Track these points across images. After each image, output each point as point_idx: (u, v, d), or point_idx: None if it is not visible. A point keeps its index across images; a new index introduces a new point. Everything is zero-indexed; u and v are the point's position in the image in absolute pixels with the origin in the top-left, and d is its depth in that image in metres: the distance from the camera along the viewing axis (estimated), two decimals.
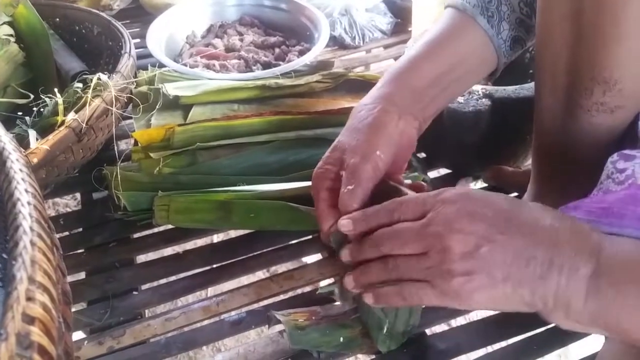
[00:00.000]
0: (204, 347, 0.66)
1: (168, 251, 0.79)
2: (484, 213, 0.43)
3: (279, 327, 0.67)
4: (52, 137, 0.71)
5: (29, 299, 0.25)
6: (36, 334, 0.24)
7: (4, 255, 0.46)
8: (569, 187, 0.51)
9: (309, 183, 0.75)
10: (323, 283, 0.74)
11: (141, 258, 0.79)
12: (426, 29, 0.93)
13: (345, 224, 0.50)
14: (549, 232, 0.42)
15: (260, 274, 0.77)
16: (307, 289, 0.74)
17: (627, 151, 0.48)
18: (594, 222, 0.45)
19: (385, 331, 0.62)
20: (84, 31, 1.04)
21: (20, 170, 0.32)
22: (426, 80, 0.58)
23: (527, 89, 0.74)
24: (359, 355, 0.67)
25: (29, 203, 0.29)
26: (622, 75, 0.49)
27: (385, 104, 0.56)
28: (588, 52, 0.50)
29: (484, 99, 0.74)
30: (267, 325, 0.68)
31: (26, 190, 0.30)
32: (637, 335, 0.39)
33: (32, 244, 0.27)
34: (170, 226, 0.79)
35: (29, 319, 0.24)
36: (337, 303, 0.67)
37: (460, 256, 0.42)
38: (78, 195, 0.90)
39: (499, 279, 0.42)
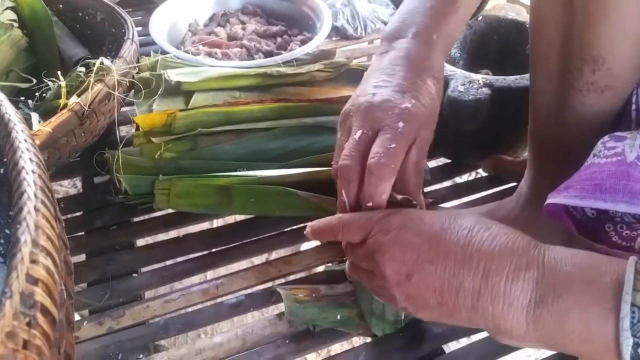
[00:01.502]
0: (203, 329, 0.66)
1: (168, 235, 0.80)
2: (414, 242, 0.45)
3: (277, 310, 0.68)
4: (55, 120, 0.71)
5: (33, 261, 0.25)
6: (39, 295, 0.25)
7: (7, 231, 0.46)
8: (565, 171, 0.51)
9: (309, 169, 0.76)
10: (320, 268, 0.74)
11: (141, 241, 0.80)
12: None
13: (305, 231, 0.56)
14: (481, 256, 0.42)
15: (259, 259, 0.77)
16: (304, 274, 0.75)
17: (618, 133, 0.49)
18: (587, 198, 0.45)
19: (375, 317, 0.63)
20: (87, 17, 1.04)
21: (25, 140, 0.32)
22: (450, 38, 0.58)
23: (527, 78, 0.75)
24: (355, 338, 0.68)
25: (33, 171, 0.30)
26: (610, 53, 0.50)
27: (418, 63, 0.55)
28: (578, 33, 0.51)
29: (484, 88, 0.75)
30: (265, 308, 0.68)
31: (30, 160, 0.31)
32: (589, 356, 0.39)
33: (36, 209, 0.28)
34: (170, 210, 0.80)
35: (33, 280, 0.25)
36: (340, 285, 0.68)
37: (396, 283, 0.45)
38: (78, 182, 0.91)
39: (435, 305, 0.44)
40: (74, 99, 0.74)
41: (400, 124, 0.49)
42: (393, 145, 0.49)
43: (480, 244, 0.43)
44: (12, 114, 0.34)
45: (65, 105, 0.74)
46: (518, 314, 0.40)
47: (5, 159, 0.34)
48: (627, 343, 0.35)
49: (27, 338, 0.23)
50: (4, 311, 0.23)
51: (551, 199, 0.49)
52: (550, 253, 0.41)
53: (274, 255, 0.77)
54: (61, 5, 1.05)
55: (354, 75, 0.96)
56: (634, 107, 0.54)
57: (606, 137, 0.50)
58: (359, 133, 0.51)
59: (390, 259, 0.45)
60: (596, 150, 0.50)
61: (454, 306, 0.43)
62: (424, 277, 0.44)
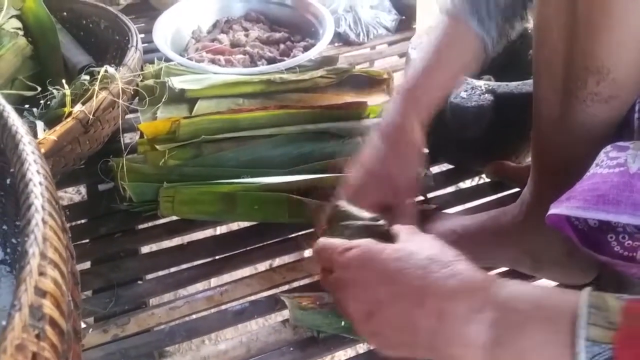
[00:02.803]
0: (207, 336, 0.66)
1: (172, 242, 0.80)
2: (372, 282, 0.45)
3: (281, 317, 0.68)
4: (60, 128, 0.72)
5: (41, 273, 0.26)
6: (48, 307, 0.25)
7: (14, 240, 0.47)
8: (568, 179, 0.51)
9: (312, 176, 0.77)
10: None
11: (146, 249, 0.80)
12: (427, 30, 0.94)
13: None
14: (435, 297, 0.42)
15: (263, 266, 0.77)
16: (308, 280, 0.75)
17: (620, 143, 0.48)
18: (590, 209, 0.45)
19: None
20: (91, 25, 1.05)
21: (33, 152, 0.33)
22: (433, 93, 0.67)
23: (529, 84, 0.75)
24: (359, 345, 0.68)
25: (40, 183, 0.30)
26: (614, 64, 0.50)
27: (403, 128, 0.65)
28: (582, 43, 0.50)
29: (486, 95, 0.75)
30: (270, 315, 0.68)
31: (38, 172, 0.31)
32: None
33: (44, 222, 0.28)
34: (174, 218, 0.80)
35: (41, 293, 0.25)
36: None
37: (358, 321, 0.46)
38: (82, 189, 0.91)
39: (396, 343, 0.44)
40: (78, 107, 0.75)
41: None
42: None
43: (435, 284, 0.42)
44: (19, 126, 0.35)
45: (70, 114, 0.74)
46: (475, 354, 0.40)
47: (12, 170, 0.35)
48: None
49: (36, 350, 0.23)
50: (14, 324, 0.23)
51: (553, 209, 0.48)
52: (506, 291, 0.41)
53: (278, 262, 0.77)
54: (65, 13, 1.06)
55: (356, 81, 0.97)
56: (637, 116, 0.54)
57: (609, 147, 0.50)
58: None
59: (352, 298, 0.46)
60: (598, 160, 0.50)
61: (414, 344, 0.43)
62: (383, 317, 0.44)
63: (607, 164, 0.48)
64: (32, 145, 0.33)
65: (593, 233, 0.49)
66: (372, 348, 0.66)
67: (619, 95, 0.53)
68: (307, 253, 0.78)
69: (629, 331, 0.34)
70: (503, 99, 0.75)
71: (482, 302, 0.40)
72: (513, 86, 0.75)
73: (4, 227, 0.47)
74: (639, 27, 0.48)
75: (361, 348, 0.70)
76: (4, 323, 0.24)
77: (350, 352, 0.68)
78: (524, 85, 0.75)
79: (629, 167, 0.47)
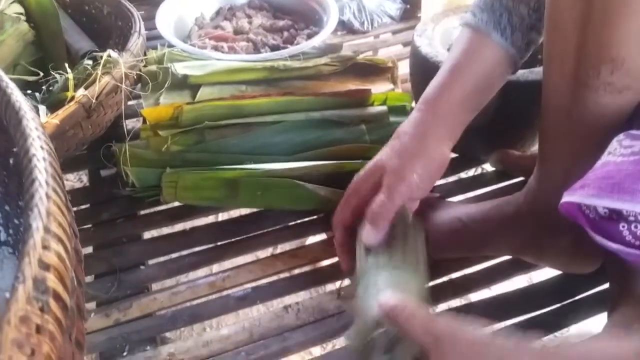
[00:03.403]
0: (209, 321, 0.66)
1: (174, 228, 0.80)
2: None
3: (283, 303, 0.68)
4: (62, 112, 0.72)
5: (45, 247, 0.25)
6: (51, 280, 0.25)
7: (16, 221, 0.47)
8: (576, 169, 0.50)
9: (316, 163, 0.76)
10: (326, 262, 0.74)
11: (148, 234, 0.80)
12: (432, 17, 0.93)
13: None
14: None
15: (266, 252, 0.77)
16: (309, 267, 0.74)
17: (634, 131, 0.48)
18: (605, 197, 0.45)
19: None
20: (93, 11, 1.04)
21: (36, 128, 0.32)
22: (456, 105, 0.63)
23: (535, 73, 0.74)
24: None
25: (44, 159, 0.30)
26: (630, 54, 0.49)
27: (425, 130, 0.62)
28: (597, 32, 0.50)
29: None
30: (272, 301, 0.69)
31: (41, 147, 0.31)
32: None
33: (48, 196, 0.28)
34: (176, 204, 0.80)
35: (45, 266, 0.25)
36: None
37: None
38: (83, 177, 0.91)
39: None
40: (81, 92, 0.74)
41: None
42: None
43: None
44: (23, 102, 0.34)
45: (73, 98, 0.74)
46: None
47: (15, 149, 0.34)
48: None
49: (40, 323, 0.23)
50: (18, 296, 0.23)
51: (567, 197, 0.48)
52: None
53: (280, 248, 0.77)
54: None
55: (360, 69, 0.96)
56: None
57: (621, 136, 0.49)
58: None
59: None
60: (611, 148, 0.49)
61: None
62: None
63: (620, 152, 0.48)
64: (35, 121, 0.33)
65: (603, 222, 0.49)
66: None
67: (633, 86, 0.52)
68: (309, 240, 0.78)
69: None
70: (509, 86, 0.74)
71: None
72: (520, 74, 0.75)
73: (7, 207, 0.47)
74: None
75: None
76: (7, 296, 0.23)
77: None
78: (531, 74, 0.75)
79: None
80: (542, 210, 0.63)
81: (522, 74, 0.75)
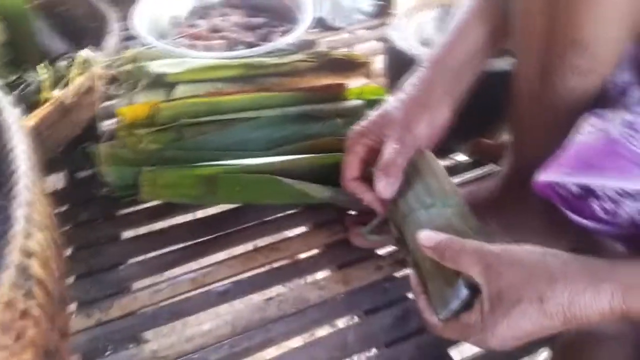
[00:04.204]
0: (192, 317, 0.67)
1: (154, 227, 0.80)
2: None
3: (265, 295, 0.69)
4: (37, 113, 0.71)
5: (27, 235, 0.26)
6: (34, 267, 0.25)
7: None
8: (545, 151, 0.52)
9: (294, 157, 0.77)
10: (304, 255, 0.75)
11: (127, 234, 0.79)
12: (406, 12, 0.94)
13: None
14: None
15: (246, 247, 0.77)
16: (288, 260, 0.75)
17: (600, 111, 0.50)
18: (577, 175, 0.47)
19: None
20: (67, 12, 1.04)
21: (16, 123, 0.33)
22: (460, 62, 0.65)
23: (506, 61, 0.76)
24: (342, 319, 0.69)
25: (24, 152, 0.30)
26: (594, 38, 0.51)
27: (430, 86, 0.64)
28: (562, 17, 0.52)
29: None
30: (253, 294, 0.69)
31: (21, 141, 0.31)
32: None
33: (29, 187, 0.28)
34: (155, 203, 0.80)
35: (28, 254, 0.25)
36: None
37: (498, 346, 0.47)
38: (58, 183, 0.90)
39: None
40: (56, 92, 0.74)
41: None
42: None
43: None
44: (1, 95, 0.35)
45: (48, 99, 0.74)
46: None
47: None
48: None
49: (24, 308, 0.24)
50: (2, 282, 0.23)
51: (541, 177, 0.50)
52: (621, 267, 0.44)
53: (260, 243, 0.77)
54: (40, 1, 1.04)
55: (335, 65, 0.97)
56: (613, 86, 0.55)
57: (589, 115, 0.51)
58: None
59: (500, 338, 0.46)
60: (580, 128, 0.51)
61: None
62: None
63: (589, 130, 0.50)
64: (15, 115, 0.33)
65: (576, 200, 0.51)
66: (355, 321, 0.67)
67: (597, 69, 0.54)
68: (289, 234, 0.78)
69: None
70: (481, 76, 0.76)
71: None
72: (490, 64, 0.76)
73: None
74: (617, 2, 0.50)
75: (344, 322, 0.71)
76: None
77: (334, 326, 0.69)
78: (501, 63, 0.76)
79: (610, 133, 0.48)
80: (515, 194, 0.65)
81: (498, 63, 0.76)
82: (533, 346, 0.63)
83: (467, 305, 0.49)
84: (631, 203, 0.48)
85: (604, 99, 0.55)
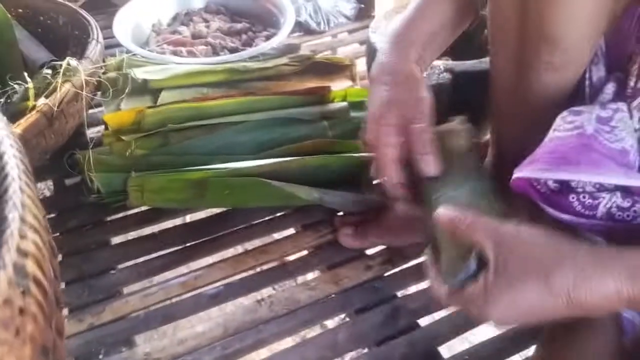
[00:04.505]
0: (184, 319, 0.67)
1: (143, 232, 0.80)
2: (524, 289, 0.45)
3: (256, 297, 0.69)
4: (24, 122, 0.71)
5: (22, 236, 0.26)
6: (30, 266, 0.26)
7: None
8: (526, 146, 0.54)
9: (281, 159, 0.78)
10: (294, 257, 0.76)
11: (116, 239, 0.80)
12: (385, 14, 0.96)
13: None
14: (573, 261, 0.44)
15: (236, 250, 0.78)
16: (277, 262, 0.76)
17: (575, 108, 0.51)
18: (553, 171, 0.48)
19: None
20: (49, 22, 1.03)
21: (4, 128, 0.33)
22: (422, 37, 0.65)
23: (485, 62, 0.78)
24: (332, 319, 0.70)
25: (15, 156, 0.31)
26: (565, 34, 0.53)
27: (397, 63, 0.63)
28: (534, 15, 0.53)
29: (445, 73, 0.78)
30: (245, 296, 0.70)
31: (11, 145, 0.32)
32: None
33: (22, 190, 0.29)
34: (144, 208, 0.80)
35: (23, 253, 0.26)
36: None
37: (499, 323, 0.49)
38: (46, 192, 0.91)
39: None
40: (42, 101, 0.74)
41: None
42: None
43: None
44: None
45: (34, 107, 0.74)
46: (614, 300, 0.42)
47: None
48: None
49: (22, 305, 0.24)
50: (0, 281, 0.24)
51: (517, 173, 0.51)
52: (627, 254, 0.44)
53: (250, 245, 0.78)
54: (20, 10, 1.04)
55: (319, 68, 0.98)
56: (587, 82, 0.57)
57: (565, 112, 0.53)
58: None
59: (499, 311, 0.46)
60: (556, 125, 0.53)
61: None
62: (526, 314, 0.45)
63: (564, 127, 0.51)
64: (3, 121, 0.34)
65: (555, 195, 0.52)
66: (345, 321, 0.68)
67: (570, 64, 0.56)
68: (278, 236, 0.79)
69: None
70: (461, 77, 0.78)
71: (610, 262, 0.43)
72: (470, 64, 0.78)
73: None
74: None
75: (335, 322, 0.71)
76: None
77: (320, 328, 0.70)
78: (481, 64, 0.78)
79: (585, 129, 0.50)
80: (499, 190, 0.66)
81: (473, 64, 0.78)
82: (523, 341, 0.64)
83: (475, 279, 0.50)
84: (608, 197, 0.50)
85: (579, 95, 0.56)
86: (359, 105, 0.90)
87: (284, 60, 0.96)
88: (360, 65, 1.01)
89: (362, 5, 1.27)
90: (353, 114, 0.88)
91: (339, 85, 0.95)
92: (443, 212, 0.52)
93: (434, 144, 0.60)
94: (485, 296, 0.45)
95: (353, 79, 0.99)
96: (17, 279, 0.25)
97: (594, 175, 0.47)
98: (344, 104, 0.89)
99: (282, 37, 1.02)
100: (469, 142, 0.63)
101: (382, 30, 0.91)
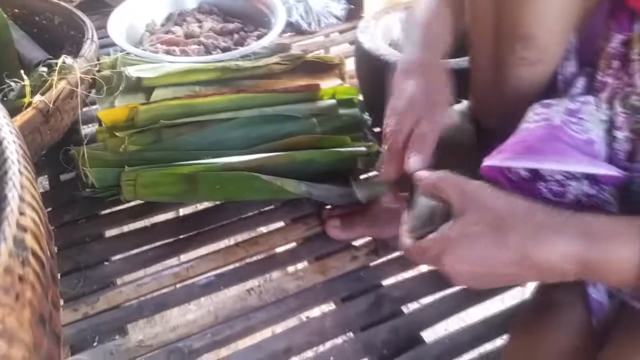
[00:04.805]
0: (176, 308, 0.70)
1: (136, 225, 0.83)
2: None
3: (246, 286, 0.72)
4: (20, 118, 0.74)
5: (21, 213, 0.29)
6: (29, 240, 0.28)
7: None
8: (504, 139, 0.56)
9: (270, 154, 0.80)
10: (282, 249, 0.78)
11: (110, 232, 0.82)
12: (373, 15, 0.98)
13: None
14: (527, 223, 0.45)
15: (227, 242, 0.81)
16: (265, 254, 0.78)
17: (546, 101, 0.54)
18: (520, 159, 0.51)
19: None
20: (44, 22, 1.06)
21: (4, 116, 0.35)
22: (447, 29, 0.66)
23: (467, 60, 0.80)
24: (319, 307, 0.72)
25: (14, 141, 0.33)
26: (538, 30, 0.55)
27: (427, 59, 0.64)
28: (508, 13, 0.56)
29: None
30: (235, 286, 0.72)
31: (10, 132, 0.34)
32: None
33: (20, 172, 0.31)
34: (137, 202, 0.83)
35: (23, 228, 0.28)
36: None
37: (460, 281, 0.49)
38: (44, 181, 0.92)
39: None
40: (38, 97, 0.76)
41: None
42: None
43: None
44: None
45: (30, 104, 0.76)
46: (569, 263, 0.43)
47: None
48: None
49: (22, 274, 0.27)
50: (1, 251, 0.26)
51: (487, 162, 0.54)
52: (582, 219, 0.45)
53: (240, 238, 0.80)
54: (16, 10, 1.06)
55: (309, 67, 1.01)
56: (560, 77, 0.60)
57: (535, 105, 0.55)
58: None
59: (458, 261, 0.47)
60: (527, 117, 0.55)
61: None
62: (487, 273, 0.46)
63: (534, 119, 0.54)
64: (2, 111, 0.36)
65: (525, 184, 0.55)
66: (332, 308, 0.70)
67: (544, 59, 0.59)
68: (268, 228, 0.82)
69: None
70: None
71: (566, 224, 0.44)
72: (453, 62, 0.81)
73: None
74: None
75: (322, 309, 0.74)
76: None
77: (313, 313, 0.72)
78: (463, 62, 0.81)
79: (552, 121, 0.53)
80: (478, 178, 0.69)
81: (456, 62, 0.81)
82: (500, 328, 0.67)
83: None
84: (576, 185, 0.53)
85: (553, 89, 0.59)
86: (347, 103, 0.93)
87: (275, 59, 0.99)
88: (350, 65, 1.04)
89: (352, 6, 1.30)
90: (341, 110, 0.90)
91: (328, 84, 0.98)
92: (423, 173, 0.54)
93: (431, 146, 0.60)
94: (442, 245, 0.47)
95: (342, 77, 1.01)
96: (17, 251, 0.27)
97: (558, 164, 0.50)
98: (333, 101, 0.91)
99: (273, 37, 1.04)
100: (470, 138, 0.66)
101: (370, 30, 0.93)
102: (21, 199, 0.29)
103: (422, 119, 0.60)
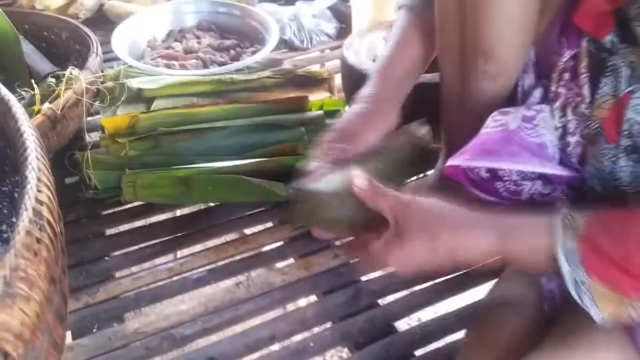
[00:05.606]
0: (170, 300, 0.75)
1: (135, 224, 0.89)
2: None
3: (235, 280, 0.78)
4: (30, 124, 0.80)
5: (39, 190, 0.35)
6: (45, 212, 0.34)
7: (13, 220, 0.55)
8: None
9: (261, 159, 0.87)
10: (268, 248, 0.84)
11: (111, 231, 0.88)
12: (358, 32, 1.05)
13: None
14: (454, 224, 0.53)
15: (219, 240, 0.87)
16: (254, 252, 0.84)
17: (504, 109, 0.61)
18: (478, 160, 0.57)
19: None
20: (52, 37, 1.13)
21: (23, 114, 0.42)
22: (401, 74, 0.74)
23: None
24: (301, 300, 0.78)
25: (32, 134, 0.40)
26: (498, 45, 0.62)
27: (375, 101, 0.71)
28: (470, 29, 0.63)
29: None
30: (226, 280, 0.78)
31: (29, 127, 0.40)
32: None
33: (37, 158, 0.37)
34: (136, 204, 0.89)
35: (39, 202, 0.34)
36: None
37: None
38: None
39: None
40: (46, 105, 0.83)
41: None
42: None
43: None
44: (7, 93, 0.44)
45: (39, 111, 0.83)
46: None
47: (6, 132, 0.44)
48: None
49: (39, 237, 0.33)
50: (23, 217, 0.32)
51: (449, 162, 0.60)
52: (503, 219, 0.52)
53: (231, 237, 0.87)
54: (27, 26, 1.13)
55: (300, 81, 1.08)
56: (519, 89, 0.66)
57: (495, 113, 0.62)
58: None
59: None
60: (487, 123, 0.62)
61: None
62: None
63: (492, 125, 0.60)
64: (21, 110, 0.43)
65: (485, 183, 0.61)
66: (313, 300, 0.76)
67: (504, 73, 0.65)
68: (257, 228, 0.88)
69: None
70: (419, 89, 0.86)
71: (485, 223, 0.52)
72: (429, 77, 0.87)
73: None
74: (514, 14, 0.61)
75: (303, 302, 0.79)
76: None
77: (294, 305, 0.78)
78: (435, 77, 0.87)
79: (508, 126, 0.59)
80: (448, 186, 0.75)
81: (432, 76, 0.87)
82: (467, 320, 0.72)
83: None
84: (530, 184, 0.59)
85: (513, 100, 0.65)
86: (334, 114, 0.99)
87: (267, 73, 1.06)
88: (339, 80, 1.10)
89: (343, 25, 1.38)
90: (328, 121, 0.97)
91: (317, 96, 1.04)
92: (360, 179, 0.59)
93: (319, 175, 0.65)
94: (386, 252, 0.55)
95: (331, 91, 1.08)
96: (35, 219, 0.33)
97: (513, 164, 0.56)
98: (320, 112, 0.98)
99: (266, 52, 1.12)
100: (418, 141, 0.72)
101: (355, 46, 1.00)
102: (39, 179, 0.36)
103: (350, 137, 0.68)
